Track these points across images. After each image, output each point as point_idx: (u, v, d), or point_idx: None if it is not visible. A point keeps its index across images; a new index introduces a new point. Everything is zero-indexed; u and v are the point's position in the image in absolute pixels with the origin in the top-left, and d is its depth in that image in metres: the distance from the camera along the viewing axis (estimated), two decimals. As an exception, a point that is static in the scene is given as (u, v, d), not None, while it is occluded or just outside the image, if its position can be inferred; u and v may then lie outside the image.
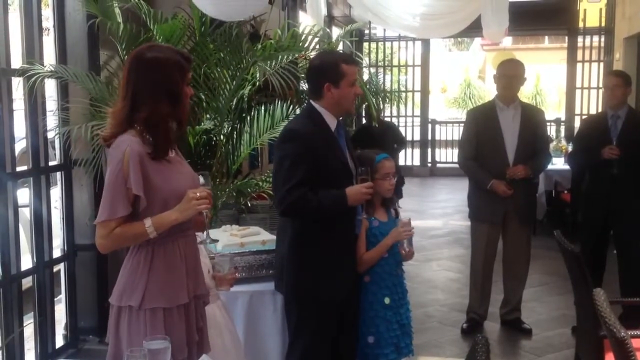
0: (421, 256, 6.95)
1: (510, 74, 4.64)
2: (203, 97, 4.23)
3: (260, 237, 3.45)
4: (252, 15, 5.13)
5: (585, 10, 12.35)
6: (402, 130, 13.59)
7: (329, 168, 2.95)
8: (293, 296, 3.05)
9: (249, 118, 4.62)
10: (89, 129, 3.78)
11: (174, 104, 2.33)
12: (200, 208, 2.31)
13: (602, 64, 12.27)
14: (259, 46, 4.34)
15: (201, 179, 2.45)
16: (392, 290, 3.19)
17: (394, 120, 13.71)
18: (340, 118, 3.10)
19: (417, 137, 13.91)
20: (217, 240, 3.15)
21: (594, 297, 2.23)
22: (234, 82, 4.19)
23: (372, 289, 3.17)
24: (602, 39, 12.26)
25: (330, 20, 10.62)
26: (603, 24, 12.03)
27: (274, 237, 3.41)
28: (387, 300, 3.15)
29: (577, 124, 11.72)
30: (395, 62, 14.30)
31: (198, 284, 2.46)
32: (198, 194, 2.30)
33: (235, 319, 3.12)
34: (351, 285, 3.09)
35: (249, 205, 4.40)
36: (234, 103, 4.36)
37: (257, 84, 4.45)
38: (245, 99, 4.50)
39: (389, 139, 7.57)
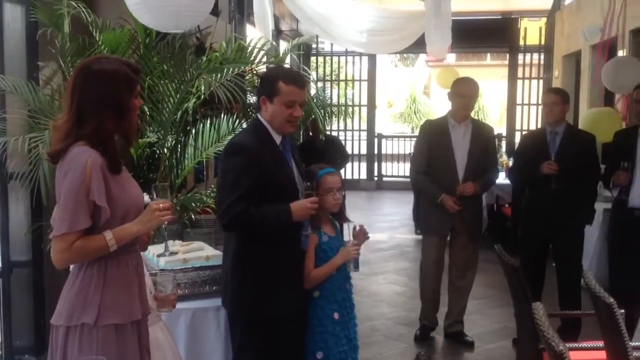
0: (367, 270, 6.99)
1: (468, 95, 4.72)
2: (147, 109, 4.16)
3: (204, 253, 3.39)
4: (198, 27, 5.10)
5: (525, 28, 12.74)
6: (348, 144, 13.76)
7: (274, 183, 2.93)
8: (237, 312, 3.01)
9: (193, 131, 4.56)
10: (27, 141, 3.66)
11: (120, 117, 2.28)
12: (164, 219, 2.28)
13: (541, 81, 12.67)
14: (204, 59, 4.29)
15: (152, 195, 2.41)
16: (341, 305, 3.17)
17: (341, 134, 13.82)
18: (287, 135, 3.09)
19: (363, 151, 14.04)
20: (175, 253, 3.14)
21: (533, 311, 2.27)
22: (178, 95, 4.13)
23: (321, 304, 3.15)
24: (542, 57, 12.64)
25: (277, 33, 10.64)
26: (543, 42, 12.42)
27: (218, 252, 3.37)
28: (336, 316, 3.14)
29: (517, 139, 12.05)
30: (342, 77, 14.42)
31: (145, 301, 2.41)
32: (161, 205, 2.26)
33: (177, 337, 3.06)
34: (296, 301, 3.06)
35: (194, 219, 4.33)
36: (178, 116, 4.29)
37: (202, 96, 4.40)
38: (190, 112, 4.44)
39: (332, 153, 7.57)
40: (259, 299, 2.94)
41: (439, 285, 4.97)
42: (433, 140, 4.78)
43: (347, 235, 3.27)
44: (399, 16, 8.77)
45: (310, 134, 8.44)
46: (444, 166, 4.70)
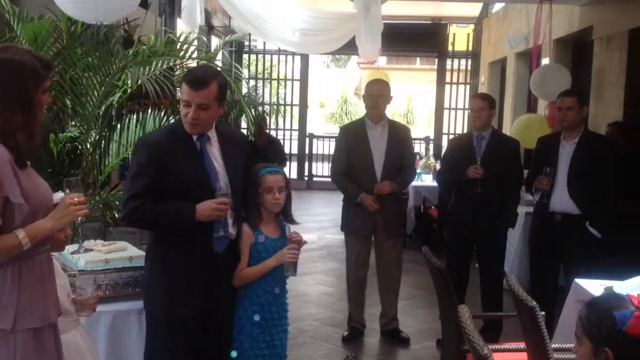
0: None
1: (375, 94, 4.84)
2: (69, 102, 3.99)
3: (127, 253, 3.27)
4: (125, 19, 4.94)
5: (454, 34, 13.02)
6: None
7: (181, 181, 2.86)
8: (148, 314, 2.97)
9: (119, 126, 4.40)
10: None
11: (26, 113, 2.15)
12: (79, 214, 2.17)
13: (468, 86, 12.97)
14: (131, 51, 4.15)
15: (65, 190, 2.29)
16: (265, 308, 3.09)
17: (272, 133, 13.75)
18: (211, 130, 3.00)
19: (294, 150, 14.01)
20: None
21: (458, 314, 2.29)
22: (103, 88, 3.98)
23: (243, 303, 3.08)
24: (469, 63, 12.95)
25: (209, 29, 10.49)
26: (470, 49, 12.73)
27: (141, 252, 3.25)
28: (256, 318, 3.07)
29: (445, 142, 12.30)
30: (274, 75, 14.34)
31: (57, 302, 2.29)
32: (76, 199, 2.14)
33: (97, 341, 2.93)
34: (205, 303, 2.94)
35: (116, 218, 4.18)
36: (102, 110, 4.14)
37: (129, 90, 4.26)
38: (115, 106, 4.29)
39: (271, 154, 7.49)
40: (167, 301, 2.89)
41: (364, 285, 5.01)
42: (351, 141, 4.86)
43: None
44: (331, 17, 8.79)
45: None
46: (362, 166, 4.79)
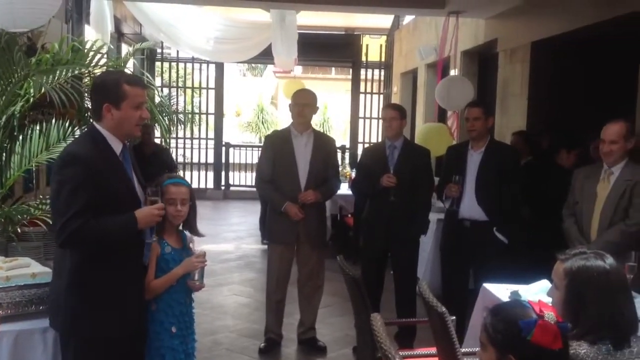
0: (212, 281, 6.86)
1: (302, 102, 4.86)
2: (-34, 112, 3.78)
3: (30, 270, 3.11)
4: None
5: (367, 45, 13.26)
6: (195, 152, 13.52)
7: (113, 195, 2.76)
8: (71, 334, 2.80)
9: (21, 137, 4.20)
10: None
11: None
12: None
13: (382, 96, 13.23)
14: (34, 60, 3.98)
15: None
16: (180, 319, 3.09)
17: (188, 142, 13.55)
18: (127, 142, 2.94)
19: (210, 159, 13.84)
20: None
21: (371, 322, 2.32)
22: (4, 97, 3.79)
23: (159, 317, 3.03)
24: (382, 73, 13.21)
25: (119, 37, 10.21)
26: (383, 59, 12.99)
27: (46, 269, 3.11)
28: (174, 329, 3.05)
29: (360, 151, 12.47)
30: (189, 84, 14.12)
31: None
32: None
33: (-2, 362, 2.78)
34: (139, 317, 2.92)
35: (20, 232, 3.97)
36: (3, 120, 3.94)
37: (32, 100, 4.07)
38: (17, 116, 4.09)
39: (159, 163, 7.25)
40: (98, 319, 2.76)
41: (284, 295, 5.00)
42: (277, 150, 4.86)
43: (193, 248, 3.19)
44: (245, 26, 8.78)
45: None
46: (287, 175, 4.80)
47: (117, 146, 2.85)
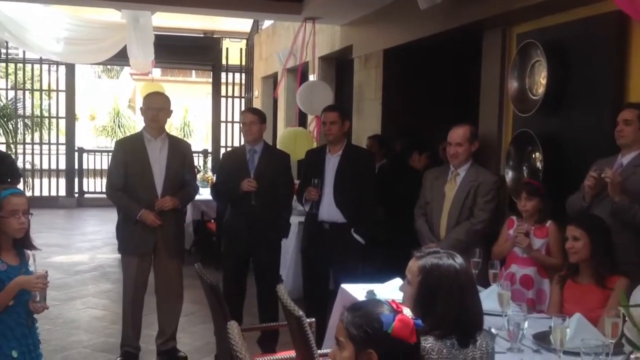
0: (64, 295, 6.50)
1: (156, 107, 4.71)
2: None
3: None
4: None
5: (227, 48, 13.18)
6: (45, 158, 12.74)
7: None
8: None
9: None
10: None
11: None
12: None
13: (243, 100, 13.20)
14: None
15: None
16: (22, 342, 2.89)
17: (37, 147, 12.76)
18: None
19: (62, 166, 13.10)
20: None
21: (227, 330, 2.29)
22: None
23: (-3, 342, 2.82)
24: (243, 77, 13.19)
25: (-44, 34, 9.40)
26: (244, 63, 12.97)
27: None
28: (14, 354, 2.84)
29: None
30: (37, 86, 13.27)
31: None
32: None
33: None
34: None
35: None
36: None
37: None
38: None
39: (2, 171, 6.75)
40: None
41: (141, 307, 4.82)
42: (129, 156, 4.68)
43: (33, 265, 2.96)
44: (97, 26, 8.41)
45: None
46: (142, 181, 4.63)
47: None
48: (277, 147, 6.64)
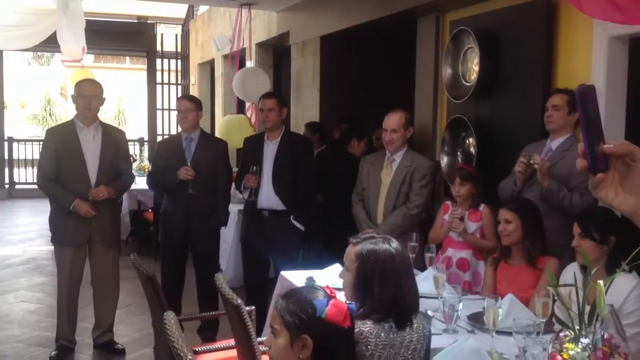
0: (-5, 289, 6.29)
1: (88, 94, 4.58)
2: None
3: None
4: None
5: (162, 34, 12.90)
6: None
7: None
8: None
9: None
10: None
11: None
12: None
13: (180, 87, 12.97)
14: None
15: None
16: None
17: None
18: None
19: (-10, 156, 12.64)
20: None
21: (164, 321, 2.26)
22: None
23: None
24: (179, 63, 12.95)
25: None
26: (179, 50, 12.74)
27: None
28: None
29: (159, 143, 12.13)
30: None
31: None
32: None
33: None
34: None
35: None
36: None
37: None
38: None
39: None
40: None
41: (77, 299, 4.71)
42: (60, 145, 4.55)
43: None
44: (25, 12, 8.10)
45: None
46: (75, 171, 4.52)
47: None
48: (216, 135, 6.56)
